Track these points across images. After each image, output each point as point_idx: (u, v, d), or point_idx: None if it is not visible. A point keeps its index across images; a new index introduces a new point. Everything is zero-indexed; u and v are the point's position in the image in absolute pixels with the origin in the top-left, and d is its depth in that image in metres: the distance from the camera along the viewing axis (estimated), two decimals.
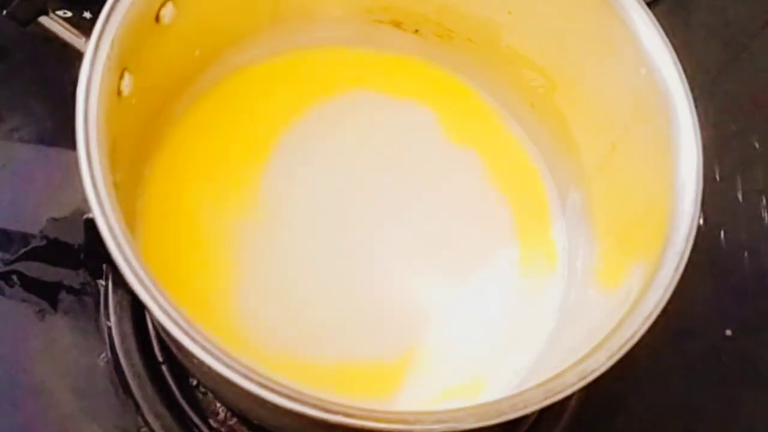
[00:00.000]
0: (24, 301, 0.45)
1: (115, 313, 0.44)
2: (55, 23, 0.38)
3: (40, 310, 0.45)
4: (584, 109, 0.43)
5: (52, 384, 0.43)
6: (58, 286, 0.45)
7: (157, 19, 0.37)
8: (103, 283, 0.45)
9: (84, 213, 0.44)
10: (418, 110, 0.47)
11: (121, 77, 0.35)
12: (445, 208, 0.45)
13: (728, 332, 0.50)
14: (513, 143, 0.47)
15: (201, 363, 0.28)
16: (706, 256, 0.51)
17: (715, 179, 0.53)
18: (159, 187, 0.42)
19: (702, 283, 0.50)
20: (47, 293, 0.45)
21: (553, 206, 0.46)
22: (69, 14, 0.39)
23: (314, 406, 0.28)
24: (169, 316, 0.29)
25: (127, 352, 0.43)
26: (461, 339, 0.42)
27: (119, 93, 0.35)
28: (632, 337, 0.32)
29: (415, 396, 0.40)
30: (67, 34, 0.38)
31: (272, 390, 0.28)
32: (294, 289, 0.41)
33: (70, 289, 0.45)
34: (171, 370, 0.44)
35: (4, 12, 0.38)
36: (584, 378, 0.31)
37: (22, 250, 0.46)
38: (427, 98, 0.48)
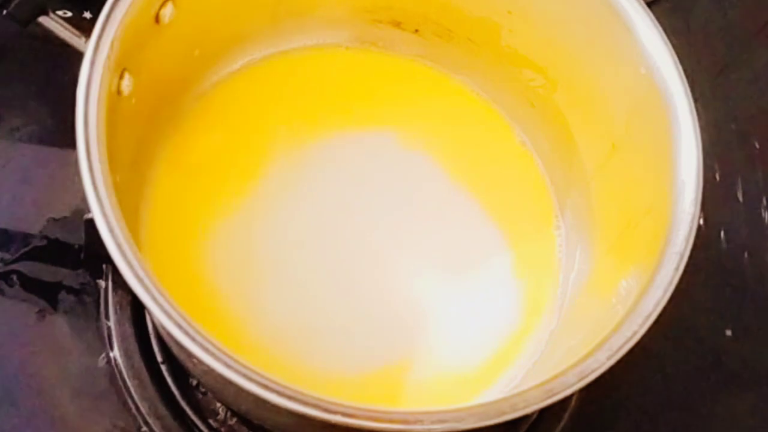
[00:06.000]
0: (24, 301, 0.45)
1: (115, 313, 0.44)
2: (55, 23, 0.38)
3: (40, 310, 0.45)
4: (584, 109, 0.43)
5: (52, 384, 0.43)
6: (58, 286, 0.45)
7: (157, 19, 0.37)
8: (103, 283, 0.45)
9: (84, 213, 0.44)
10: (417, 111, 0.47)
11: (121, 77, 0.35)
12: (443, 210, 0.45)
13: (728, 332, 0.50)
14: (513, 144, 0.47)
15: (201, 363, 0.28)
16: (706, 256, 0.51)
17: (715, 179, 0.53)
18: (159, 187, 0.42)
19: (702, 283, 0.50)
20: (47, 293, 0.45)
21: (553, 206, 0.46)
22: (69, 14, 0.39)
23: (314, 406, 0.28)
24: (169, 316, 0.29)
25: (127, 352, 0.43)
26: (461, 340, 0.42)
27: (119, 93, 0.35)
28: (632, 337, 0.32)
29: (416, 396, 0.40)
30: (67, 34, 0.38)
31: (272, 390, 0.28)
32: (295, 289, 0.41)
33: (70, 289, 0.45)
34: (171, 370, 0.44)
35: (4, 12, 0.38)
36: (584, 378, 0.31)
37: (22, 250, 0.46)
38: (426, 99, 0.48)
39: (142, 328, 0.44)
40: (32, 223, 0.46)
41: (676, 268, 0.34)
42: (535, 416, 0.45)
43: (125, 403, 0.43)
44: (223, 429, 0.44)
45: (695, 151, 0.36)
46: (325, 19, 0.47)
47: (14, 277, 0.45)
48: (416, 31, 0.48)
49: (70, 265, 0.46)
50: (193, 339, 0.29)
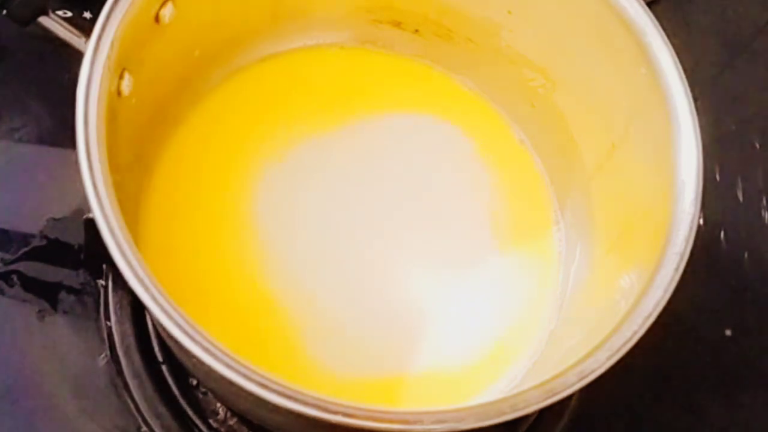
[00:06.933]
0: (24, 301, 0.45)
1: (115, 313, 0.44)
2: (55, 23, 0.38)
3: (40, 310, 0.45)
4: (584, 109, 0.43)
5: (52, 384, 0.43)
6: (58, 286, 0.45)
7: (157, 19, 0.37)
8: (103, 283, 0.45)
9: (84, 213, 0.45)
10: (417, 111, 0.47)
11: (121, 77, 0.35)
12: (443, 208, 0.45)
13: (728, 332, 0.50)
14: (513, 143, 0.47)
15: (201, 363, 0.28)
16: (706, 256, 0.51)
17: (715, 179, 0.53)
18: (159, 187, 0.42)
19: (702, 283, 0.50)
20: (47, 293, 0.45)
21: (553, 206, 0.46)
22: (69, 14, 0.39)
23: (314, 406, 0.28)
24: (169, 316, 0.29)
25: (127, 352, 0.43)
26: (460, 340, 0.42)
27: (119, 93, 0.35)
28: (632, 337, 0.32)
29: (415, 396, 0.40)
30: (67, 34, 0.38)
31: (272, 390, 0.28)
32: (296, 289, 0.41)
33: (70, 289, 0.45)
34: (171, 370, 0.44)
35: (4, 12, 0.38)
36: (584, 378, 0.31)
37: (22, 250, 0.46)
38: (426, 98, 0.48)
39: (142, 328, 0.44)
40: (32, 223, 0.46)
41: (676, 268, 0.34)
42: (535, 416, 0.45)
43: (125, 403, 0.43)
44: (223, 429, 0.44)
45: (695, 151, 0.36)
46: (325, 19, 0.47)
47: (14, 277, 0.45)
48: (416, 31, 0.48)
49: (70, 265, 0.46)
50: (193, 339, 0.29)
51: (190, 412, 0.43)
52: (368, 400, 0.38)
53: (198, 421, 0.43)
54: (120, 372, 0.43)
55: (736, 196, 0.53)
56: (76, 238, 0.46)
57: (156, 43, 0.37)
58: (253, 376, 0.28)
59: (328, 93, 0.47)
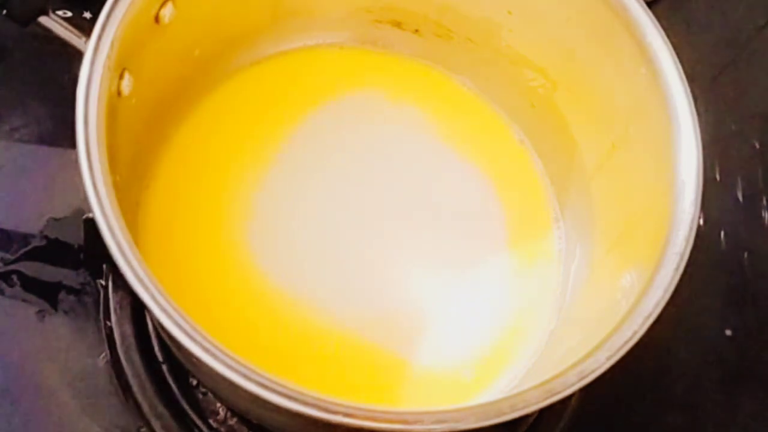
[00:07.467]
0: (24, 301, 0.45)
1: (115, 313, 0.44)
2: (55, 23, 0.38)
3: (40, 310, 0.45)
4: (584, 109, 0.43)
5: (52, 384, 0.43)
6: (58, 286, 0.45)
7: (157, 19, 0.37)
8: (103, 283, 0.45)
9: (84, 213, 0.45)
10: (417, 111, 0.47)
11: (121, 77, 0.35)
12: (443, 208, 0.45)
13: (728, 332, 0.50)
14: (512, 143, 0.47)
15: (201, 363, 0.28)
16: (706, 256, 0.51)
17: (715, 179, 0.53)
18: (159, 187, 0.42)
19: (702, 283, 0.50)
20: (47, 293, 0.45)
21: (553, 206, 0.46)
22: (69, 14, 0.39)
23: (314, 406, 0.28)
24: (169, 316, 0.29)
25: (127, 352, 0.43)
26: (461, 340, 0.42)
27: (119, 93, 0.35)
28: (632, 337, 0.32)
29: (415, 396, 0.40)
30: (67, 34, 0.38)
31: (272, 390, 0.28)
32: (295, 288, 0.41)
33: (70, 289, 0.45)
34: (171, 370, 0.44)
35: (4, 12, 0.38)
36: (584, 378, 0.31)
37: (22, 250, 0.46)
38: (426, 98, 0.48)
39: (142, 328, 0.44)
40: (32, 223, 0.46)
41: (676, 268, 0.34)
42: (535, 416, 0.45)
43: (125, 403, 0.43)
44: (223, 429, 0.44)
45: (695, 151, 0.36)
46: (325, 19, 0.47)
47: (14, 277, 0.45)
48: (416, 31, 0.48)
49: (70, 265, 0.46)
50: (193, 339, 0.29)
51: (190, 412, 0.43)
52: (368, 399, 0.38)
53: (198, 421, 0.43)
54: (120, 372, 0.43)
55: (736, 196, 0.53)
56: (76, 238, 0.46)
57: (156, 43, 0.38)
58: (253, 376, 0.28)
59: (328, 93, 0.47)
